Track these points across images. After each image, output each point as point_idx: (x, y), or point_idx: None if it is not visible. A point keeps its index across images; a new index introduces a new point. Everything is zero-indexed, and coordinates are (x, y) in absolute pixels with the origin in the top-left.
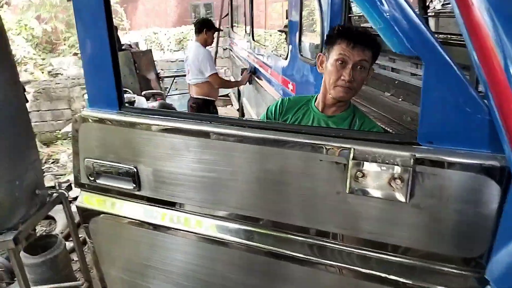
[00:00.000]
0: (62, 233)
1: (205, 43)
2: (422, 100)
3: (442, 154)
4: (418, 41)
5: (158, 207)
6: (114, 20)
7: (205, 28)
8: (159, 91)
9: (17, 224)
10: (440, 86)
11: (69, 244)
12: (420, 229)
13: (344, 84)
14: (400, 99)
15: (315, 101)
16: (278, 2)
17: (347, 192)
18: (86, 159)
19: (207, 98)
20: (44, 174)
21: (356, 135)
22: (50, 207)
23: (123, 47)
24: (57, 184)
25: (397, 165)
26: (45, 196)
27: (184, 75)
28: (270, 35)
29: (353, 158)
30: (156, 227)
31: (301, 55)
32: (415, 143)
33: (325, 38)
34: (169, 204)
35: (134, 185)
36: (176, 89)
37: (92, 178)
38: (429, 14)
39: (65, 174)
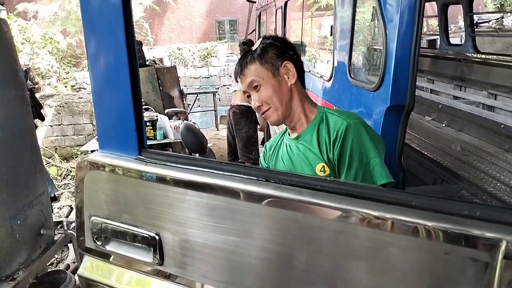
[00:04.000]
0: (75, 262)
1: None
2: None
3: None
4: None
5: None
6: (138, 35)
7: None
8: (182, 109)
9: (16, 271)
10: None
11: None
12: None
13: (260, 111)
14: (444, 125)
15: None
16: (317, 18)
17: None
18: (92, 217)
19: (251, 106)
20: (61, 192)
21: (506, 216)
22: (56, 249)
23: (147, 63)
24: (65, 223)
25: None
26: (52, 236)
27: (207, 92)
28: (305, 53)
29: (506, 257)
30: None
31: (352, 77)
32: None
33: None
34: None
35: (155, 258)
36: (199, 105)
37: (99, 243)
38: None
39: None
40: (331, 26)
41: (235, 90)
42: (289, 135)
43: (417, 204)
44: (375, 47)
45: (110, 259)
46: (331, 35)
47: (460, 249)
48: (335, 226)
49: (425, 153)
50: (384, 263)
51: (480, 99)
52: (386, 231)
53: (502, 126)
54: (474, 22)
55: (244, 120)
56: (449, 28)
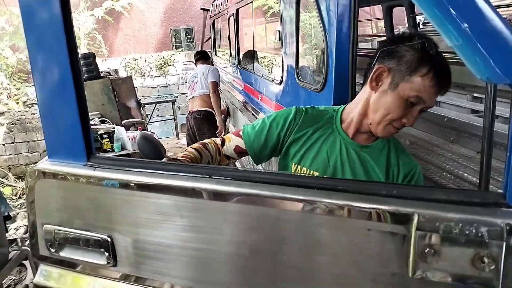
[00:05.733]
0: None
1: None
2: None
3: None
4: None
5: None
6: (91, 47)
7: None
8: (140, 119)
9: None
10: None
11: None
12: None
13: (400, 126)
14: None
15: (340, 121)
16: (271, 23)
17: (410, 275)
18: (45, 226)
19: (211, 110)
20: (17, 212)
21: (418, 193)
22: (12, 267)
23: (101, 75)
24: (19, 239)
25: (483, 237)
26: (6, 254)
27: (166, 101)
28: (258, 58)
29: (418, 228)
30: None
31: (299, 79)
32: (504, 204)
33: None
34: (155, 285)
35: (109, 260)
36: (158, 115)
37: (53, 250)
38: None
39: None
40: (279, 32)
41: (193, 97)
42: (345, 133)
43: (343, 188)
44: (318, 50)
45: (65, 265)
46: (279, 40)
47: (381, 224)
48: (272, 213)
49: None
50: (317, 245)
51: None
52: (316, 214)
53: (446, 119)
54: (421, 22)
55: (206, 124)
56: (397, 29)
